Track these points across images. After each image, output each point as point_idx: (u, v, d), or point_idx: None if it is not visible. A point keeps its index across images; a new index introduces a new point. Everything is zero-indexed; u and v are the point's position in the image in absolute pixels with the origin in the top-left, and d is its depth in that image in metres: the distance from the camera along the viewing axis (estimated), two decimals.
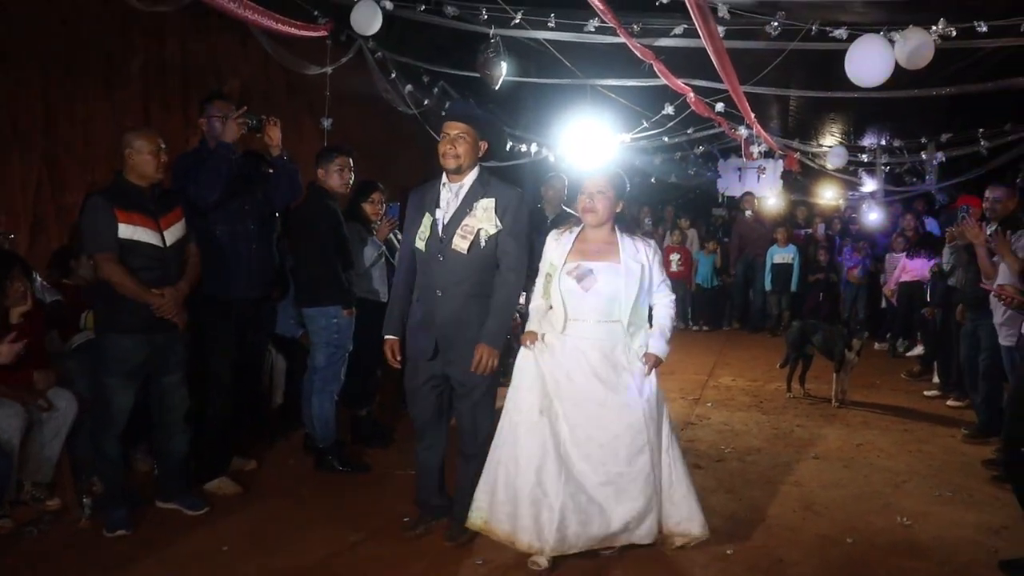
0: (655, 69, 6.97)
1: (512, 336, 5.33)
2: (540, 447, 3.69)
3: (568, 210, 6.93)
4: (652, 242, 3.98)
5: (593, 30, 6.42)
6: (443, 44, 8.58)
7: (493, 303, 3.83)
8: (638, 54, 6.50)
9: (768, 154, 12.71)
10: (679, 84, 7.59)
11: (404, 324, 4.03)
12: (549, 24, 6.52)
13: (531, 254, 4.08)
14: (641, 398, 3.76)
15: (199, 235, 4.49)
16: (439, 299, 3.86)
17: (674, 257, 11.81)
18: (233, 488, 4.73)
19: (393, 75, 8.94)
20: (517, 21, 6.52)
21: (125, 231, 4.09)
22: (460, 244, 3.80)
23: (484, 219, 3.80)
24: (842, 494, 5.01)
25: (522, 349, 3.90)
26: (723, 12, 5.72)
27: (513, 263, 3.85)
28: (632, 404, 3.75)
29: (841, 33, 5.99)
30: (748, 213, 12.42)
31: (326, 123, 7.93)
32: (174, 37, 6.93)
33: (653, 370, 3.84)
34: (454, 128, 3.82)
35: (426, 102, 9.43)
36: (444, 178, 3.91)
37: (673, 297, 4.00)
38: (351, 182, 5.38)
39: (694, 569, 3.93)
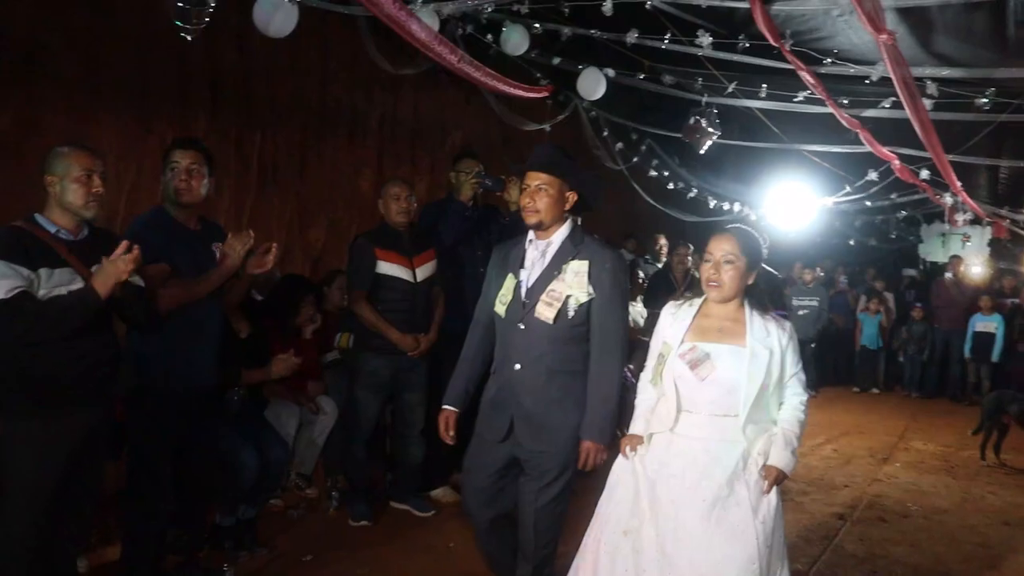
0: (860, 137, 7.25)
1: None
2: (619, 572, 3.06)
3: (768, 269, 7.28)
4: (788, 324, 3.22)
5: (802, 100, 6.79)
6: (647, 102, 9.11)
7: (593, 392, 3.34)
8: (845, 124, 6.81)
9: (975, 221, 12.45)
10: (884, 152, 7.79)
11: (468, 395, 3.59)
12: (760, 94, 6.93)
13: None
14: (755, 519, 2.96)
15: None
16: (516, 373, 3.39)
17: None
18: (454, 497, 5.30)
19: (605, 133, 9.61)
20: (730, 90, 6.97)
21: (382, 267, 4.86)
22: (545, 312, 3.33)
23: (575, 284, 3.33)
24: None
25: (619, 457, 3.21)
26: (931, 89, 5.97)
27: (612, 343, 3.36)
28: (744, 525, 2.95)
29: None
30: (949, 276, 12.20)
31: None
32: (407, 93, 7.82)
33: (774, 488, 3.02)
34: (535, 179, 3.37)
35: (635, 159, 10.03)
36: (531, 234, 3.49)
37: (806, 397, 3.20)
38: None
39: None
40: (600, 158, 9.75)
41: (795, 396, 3.16)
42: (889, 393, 11.90)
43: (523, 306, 3.38)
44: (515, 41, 6.30)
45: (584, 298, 3.32)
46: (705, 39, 5.73)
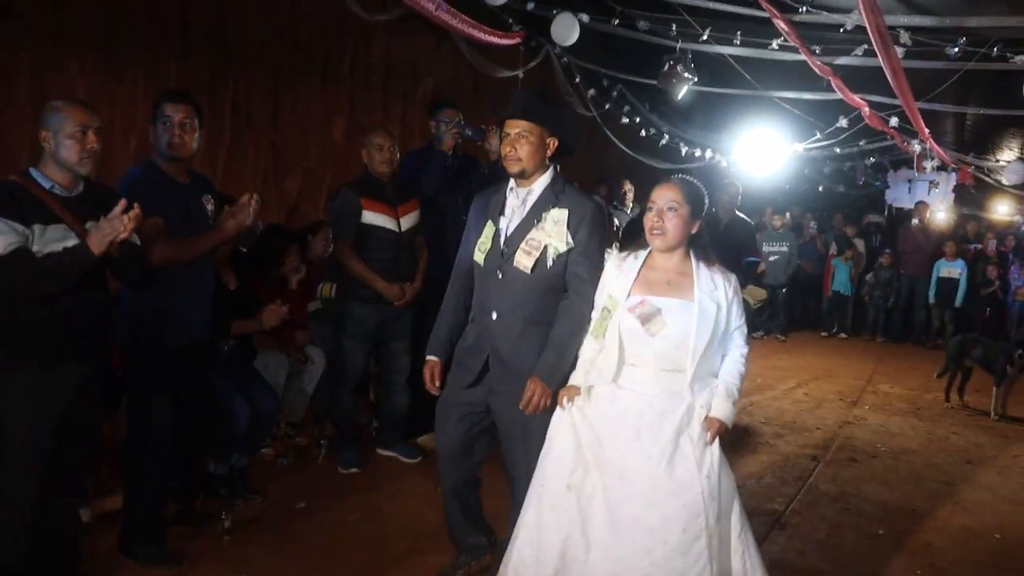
0: (832, 84, 7.32)
1: None
2: (564, 528, 3.00)
3: (741, 215, 7.38)
4: (733, 277, 3.16)
5: (776, 48, 6.84)
6: (619, 48, 9.10)
7: (554, 333, 3.23)
8: (817, 71, 6.88)
9: (941, 167, 12.63)
10: (855, 99, 7.89)
11: (451, 344, 3.51)
12: (735, 41, 6.95)
13: None
14: (700, 473, 2.92)
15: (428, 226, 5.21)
16: (493, 322, 3.33)
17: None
18: None
19: (577, 79, 9.59)
20: (704, 37, 6.99)
21: (367, 217, 4.88)
22: (523, 261, 3.26)
23: (554, 234, 3.25)
24: (993, 497, 5.31)
25: (557, 409, 3.13)
26: (905, 39, 6.05)
27: (583, 289, 3.23)
28: (689, 480, 2.91)
29: (1021, 60, 6.19)
30: (915, 222, 12.40)
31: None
32: (379, 39, 7.73)
33: (716, 439, 2.99)
34: (514, 126, 3.26)
35: (607, 106, 10.04)
36: (511, 182, 3.39)
37: (747, 350, 3.18)
38: None
39: (843, 544, 4.39)
40: (572, 105, 9.73)
41: (736, 349, 3.15)
42: (856, 338, 12.16)
43: (502, 255, 3.31)
44: None
45: (563, 248, 3.23)
46: None
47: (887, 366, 9.90)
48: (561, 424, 3.09)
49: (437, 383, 3.46)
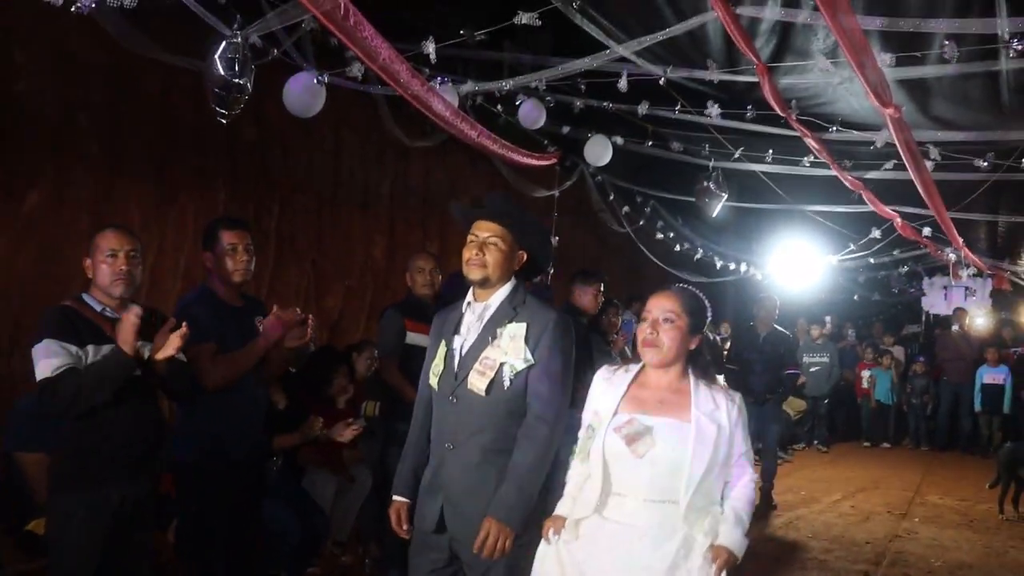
0: (864, 197, 7.45)
1: None
2: None
3: (779, 328, 7.42)
4: (737, 396, 2.82)
5: (808, 164, 7.00)
6: (652, 166, 9.33)
7: (512, 463, 2.83)
8: (848, 185, 7.02)
9: (977, 273, 12.63)
10: (886, 211, 8.00)
11: (415, 482, 3.07)
12: (767, 159, 7.13)
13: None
14: None
15: None
16: (449, 454, 2.92)
17: (865, 374, 12.09)
18: None
19: (611, 197, 9.83)
20: (737, 156, 7.17)
21: (411, 338, 4.98)
22: (477, 382, 2.88)
23: (510, 350, 2.87)
24: None
25: (541, 542, 2.76)
26: (934, 153, 6.18)
27: (544, 410, 2.86)
28: None
29: None
30: (955, 328, 12.31)
31: (554, 240, 8.77)
32: (417, 161, 8.03)
33: (723, 572, 2.61)
34: (485, 229, 2.94)
35: (641, 222, 10.25)
36: (470, 295, 3.03)
37: (755, 476, 2.84)
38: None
39: None
40: (606, 221, 9.96)
41: (744, 475, 2.78)
42: (899, 447, 11.93)
43: (455, 377, 2.93)
44: (533, 117, 6.50)
45: (521, 365, 2.86)
46: (714, 109, 5.94)
47: (935, 476, 9.69)
48: (546, 559, 2.74)
49: (405, 526, 3.02)
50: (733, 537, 2.63)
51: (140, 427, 3.29)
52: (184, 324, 3.19)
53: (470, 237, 2.96)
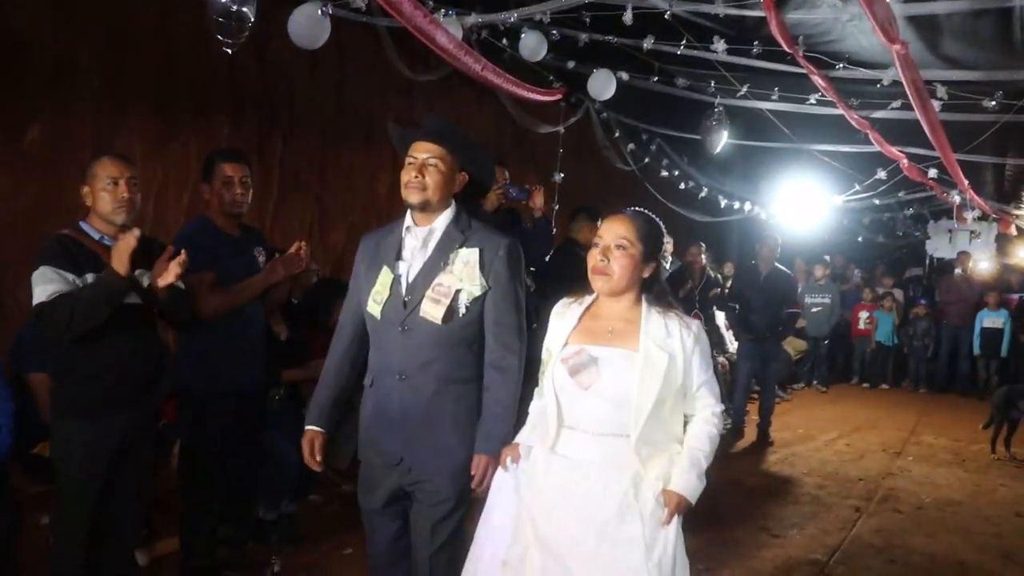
0: (870, 137, 7.39)
1: None
2: None
3: (780, 267, 7.43)
4: (696, 323, 2.65)
5: (814, 102, 6.94)
6: (657, 103, 9.25)
7: (495, 399, 2.79)
8: (855, 124, 6.96)
9: (982, 217, 12.59)
10: (893, 151, 7.94)
11: (336, 413, 3.00)
12: (772, 97, 7.07)
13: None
14: (648, 560, 2.43)
15: None
16: (400, 385, 2.80)
17: (863, 315, 12.15)
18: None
19: (616, 134, 9.77)
20: (743, 93, 7.11)
21: None
22: (432, 310, 2.76)
23: (465, 276, 2.78)
24: None
25: (499, 470, 2.71)
26: (941, 93, 6.12)
27: (511, 340, 2.82)
28: (635, 566, 2.43)
29: None
30: (958, 272, 12.33)
31: (558, 177, 8.77)
32: (422, 97, 7.94)
33: (674, 517, 2.48)
34: (423, 150, 2.80)
35: (646, 160, 10.20)
36: (408, 219, 2.89)
37: (720, 409, 2.65)
38: None
39: None
40: (611, 159, 9.91)
41: (706, 408, 2.62)
42: (897, 389, 12.03)
43: (404, 304, 2.80)
44: (532, 47, 6.43)
45: (477, 291, 2.78)
46: (720, 45, 5.88)
47: (931, 417, 9.79)
48: (502, 488, 2.66)
49: (319, 457, 2.91)
50: (685, 481, 2.50)
51: (141, 355, 3.34)
52: (183, 252, 3.22)
53: (408, 159, 2.82)
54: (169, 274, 3.20)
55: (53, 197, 4.84)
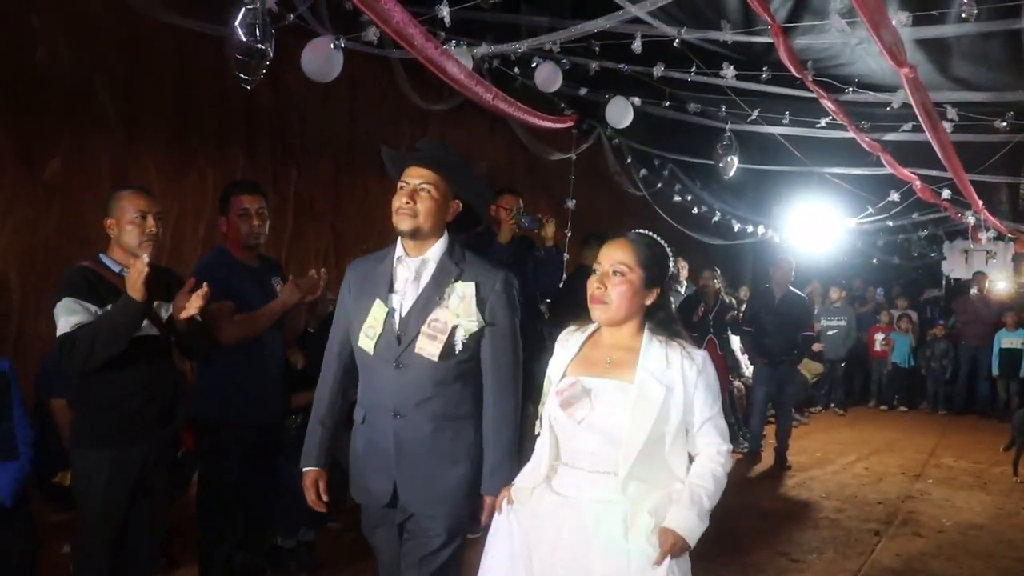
0: (882, 159, 7.41)
1: None
2: None
3: (795, 290, 7.42)
4: (701, 354, 2.48)
5: (824, 125, 6.97)
6: (669, 129, 9.29)
7: (494, 440, 2.71)
8: (866, 147, 6.98)
9: (998, 237, 12.54)
10: (905, 173, 7.95)
11: (330, 453, 2.97)
12: (783, 121, 7.11)
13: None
14: None
15: None
16: (395, 424, 2.70)
17: (879, 336, 12.09)
18: None
19: (628, 160, 9.83)
20: (753, 117, 7.15)
21: None
22: (428, 347, 2.65)
23: (462, 311, 2.66)
24: None
25: (495, 514, 2.61)
26: (952, 114, 6.14)
27: (509, 380, 2.74)
28: None
29: None
30: (974, 292, 12.26)
31: (571, 204, 8.82)
32: (434, 125, 8.01)
33: (667, 558, 2.29)
34: (416, 175, 2.68)
35: (658, 184, 10.24)
36: (399, 248, 2.76)
37: (727, 448, 2.45)
38: None
39: None
40: (623, 184, 9.96)
41: (710, 446, 2.43)
42: (915, 410, 11.94)
43: (398, 340, 2.69)
44: (546, 77, 6.49)
45: (475, 327, 2.66)
46: (729, 71, 5.91)
47: (950, 439, 9.71)
48: (498, 531, 2.56)
49: (325, 498, 2.91)
50: (683, 519, 2.31)
51: (158, 385, 3.37)
52: (205, 284, 3.26)
53: (400, 184, 2.70)
54: (191, 306, 3.24)
55: (72, 228, 4.92)
